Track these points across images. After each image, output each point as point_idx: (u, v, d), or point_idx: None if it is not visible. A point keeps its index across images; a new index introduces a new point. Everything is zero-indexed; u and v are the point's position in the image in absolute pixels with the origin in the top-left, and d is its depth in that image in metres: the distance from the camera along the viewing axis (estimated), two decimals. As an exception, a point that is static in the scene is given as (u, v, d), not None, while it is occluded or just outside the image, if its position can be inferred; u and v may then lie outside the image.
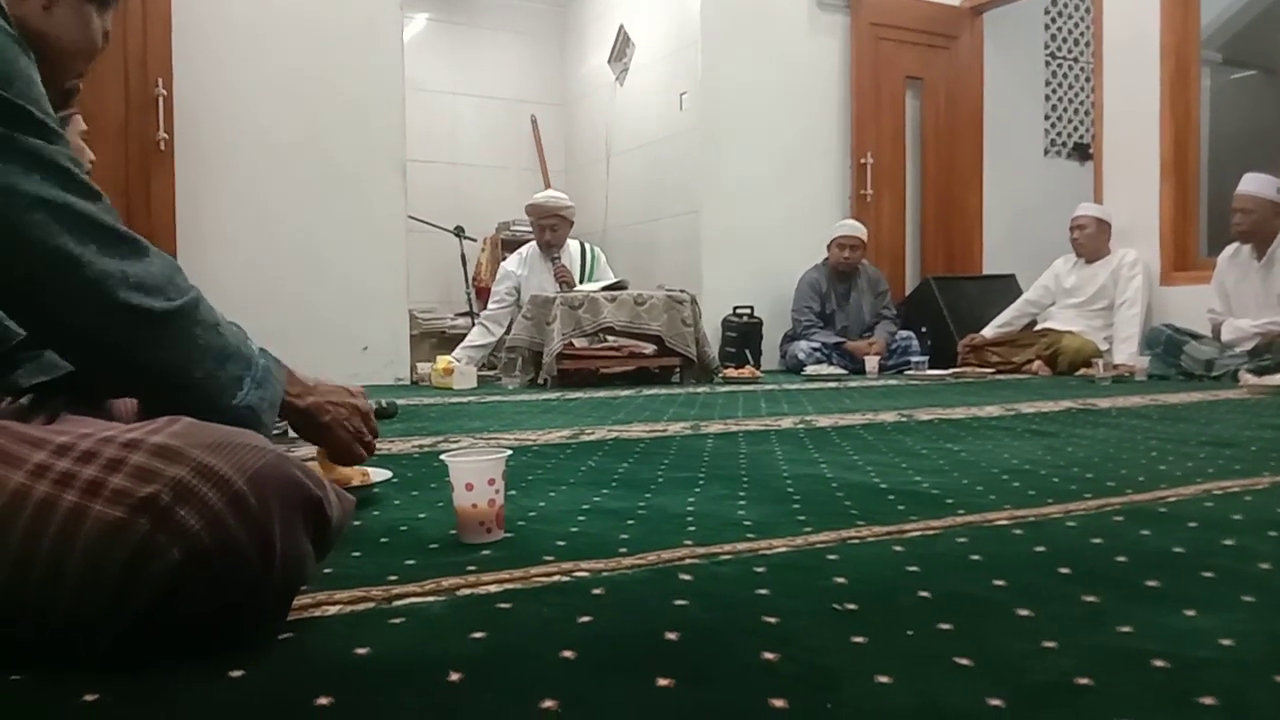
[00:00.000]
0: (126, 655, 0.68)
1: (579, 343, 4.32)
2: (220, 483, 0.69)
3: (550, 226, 4.68)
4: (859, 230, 5.19)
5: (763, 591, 0.91)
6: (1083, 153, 6.38)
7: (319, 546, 0.80)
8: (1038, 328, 5.08)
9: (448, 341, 5.42)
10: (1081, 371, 4.45)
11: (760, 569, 1.00)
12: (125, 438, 0.72)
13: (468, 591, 0.92)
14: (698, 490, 1.49)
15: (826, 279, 5.21)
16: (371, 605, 0.87)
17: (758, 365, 4.91)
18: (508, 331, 4.47)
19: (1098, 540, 1.12)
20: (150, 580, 0.66)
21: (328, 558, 1.02)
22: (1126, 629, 0.79)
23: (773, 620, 0.82)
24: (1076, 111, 6.58)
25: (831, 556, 1.05)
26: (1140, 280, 4.74)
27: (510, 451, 1.22)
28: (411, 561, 1.04)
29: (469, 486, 1.11)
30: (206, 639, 0.72)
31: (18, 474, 0.69)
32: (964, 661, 0.72)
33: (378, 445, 1.22)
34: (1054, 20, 6.49)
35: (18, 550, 0.67)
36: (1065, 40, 6.55)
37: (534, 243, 4.91)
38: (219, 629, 0.72)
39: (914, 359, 4.88)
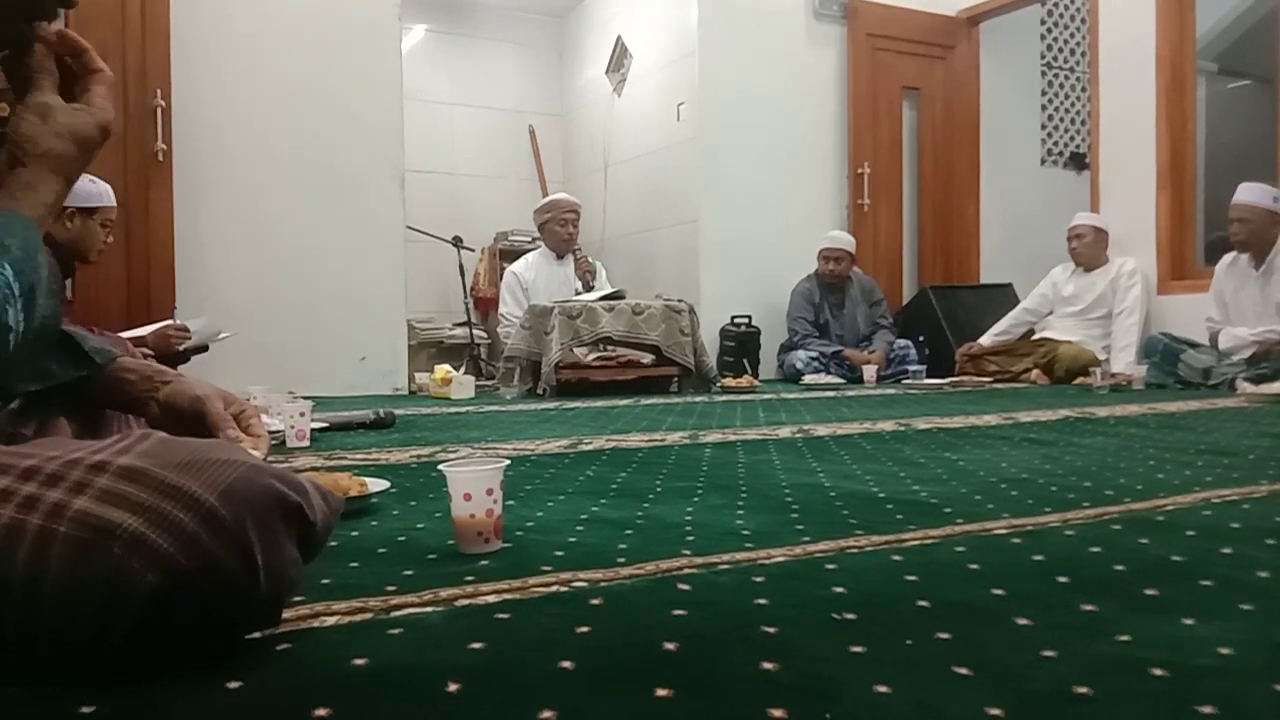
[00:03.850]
0: (123, 667, 0.68)
1: (578, 352, 4.32)
2: (191, 502, 0.69)
3: (573, 221, 4.87)
4: (843, 242, 5.20)
5: (761, 601, 0.91)
6: (1079, 162, 6.40)
7: (305, 549, 0.80)
8: (1035, 336, 5.09)
9: (445, 351, 5.43)
10: (1079, 380, 4.45)
11: (759, 579, 1.00)
12: (92, 460, 0.71)
13: (466, 602, 0.92)
14: (696, 500, 1.48)
15: (818, 289, 5.22)
16: (369, 616, 0.87)
17: (755, 374, 4.91)
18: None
19: (1096, 549, 1.12)
20: (132, 603, 0.66)
21: (323, 564, 1.03)
22: (1125, 638, 0.79)
23: (771, 630, 0.82)
24: (1073, 121, 6.60)
25: (830, 566, 1.05)
26: (1139, 289, 4.75)
27: (508, 461, 1.22)
28: (409, 572, 1.04)
29: (467, 496, 1.11)
30: (202, 649, 0.72)
31: None
32: (963, 670, 0.71)
33: (375, 455, 1.21)
34: (1050, 30, 6.52)
35: None
36: (1062, 50, 6.57)
37: (538, 251, 4.97)
38: (213, 639, 0.72)
39: (911, 368, 4.88)
